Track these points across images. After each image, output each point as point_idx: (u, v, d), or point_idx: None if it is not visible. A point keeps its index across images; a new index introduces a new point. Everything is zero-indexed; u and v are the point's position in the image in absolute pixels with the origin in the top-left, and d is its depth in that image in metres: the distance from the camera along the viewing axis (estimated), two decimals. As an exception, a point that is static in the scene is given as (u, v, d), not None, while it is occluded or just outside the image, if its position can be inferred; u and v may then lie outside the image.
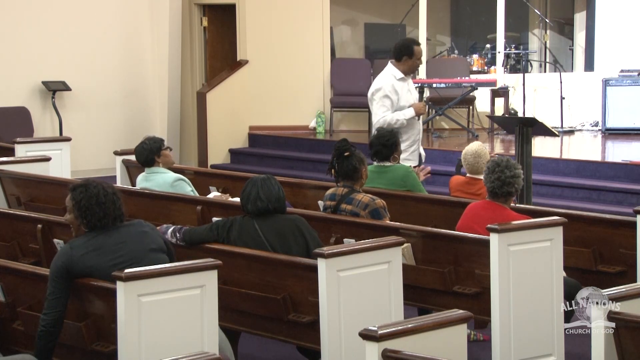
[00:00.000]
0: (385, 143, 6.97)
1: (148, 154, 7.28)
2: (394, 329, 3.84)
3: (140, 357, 4.48)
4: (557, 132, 9.37)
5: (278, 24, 13.67)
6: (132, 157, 8.33)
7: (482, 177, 7.04)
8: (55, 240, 6.03)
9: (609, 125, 12.74)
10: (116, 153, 8.62)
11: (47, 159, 8.34)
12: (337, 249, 5.08)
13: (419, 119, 7.99)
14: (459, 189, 7.17)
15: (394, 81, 7.88)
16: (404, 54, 7.92)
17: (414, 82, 13.05)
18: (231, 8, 13.76)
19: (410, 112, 7.86)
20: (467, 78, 13.64)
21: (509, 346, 5.38)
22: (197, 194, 7.31)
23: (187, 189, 7.28)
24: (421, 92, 8.19)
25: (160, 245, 4.90)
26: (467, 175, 7.18)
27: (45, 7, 12.63)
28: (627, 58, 13.57)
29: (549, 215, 5.90)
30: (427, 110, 8.04)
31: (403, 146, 7.55)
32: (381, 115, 7.82)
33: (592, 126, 13.23)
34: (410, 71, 8.07)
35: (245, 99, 13.63)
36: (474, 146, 7.19)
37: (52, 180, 7.91)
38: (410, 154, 7.89)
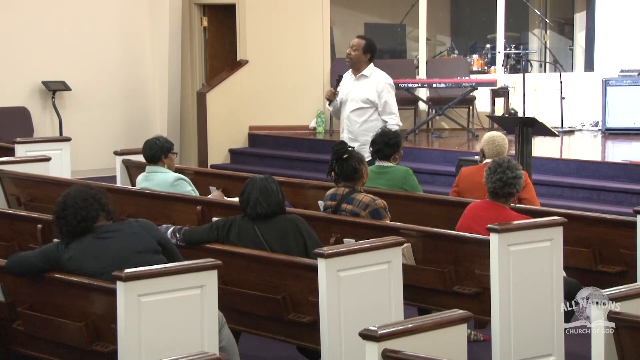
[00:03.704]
0: (388, 142, 7.00)
1: (158, 150, 7.25)
2: (394, 329, 3.84)
3: (140, 357, 4.48)
4: (557, 132, 9.37)
5: (278, 24, 13.66)
6: (132, 157, 8.33)
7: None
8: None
9: (609, 125, 12.73)
10: (116, 153, 8.60)
11: (47, 159, 8.33)
12: (337, 249, 5.08)
13: (329, 105, 8.40)
14: (470, 179, 7.04)
15: (346, 75, 8.37)
16: None
17: (412, 82, 13.15)
18: (231, 8, 13.75)
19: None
20: (467, 78, 13.62)
21: (509, 346, 5.37)
22: (197, 193, 7.31)
23: (188, 188, 7.27)
24: (338, 80, 8.36)
25: (151, 246, 4.89)
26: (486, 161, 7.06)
27: (45, 7, 12.62)
28: (627, 58, 13.57)
29: (549, 215, 5.90)
30: (333, 96, 8.20)
31: None
32: None
33: (592, 126, 13.22)
34: None
35: (245, 99, 13.62)
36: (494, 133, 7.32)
37: (52, 180, 7.90)
38: None
